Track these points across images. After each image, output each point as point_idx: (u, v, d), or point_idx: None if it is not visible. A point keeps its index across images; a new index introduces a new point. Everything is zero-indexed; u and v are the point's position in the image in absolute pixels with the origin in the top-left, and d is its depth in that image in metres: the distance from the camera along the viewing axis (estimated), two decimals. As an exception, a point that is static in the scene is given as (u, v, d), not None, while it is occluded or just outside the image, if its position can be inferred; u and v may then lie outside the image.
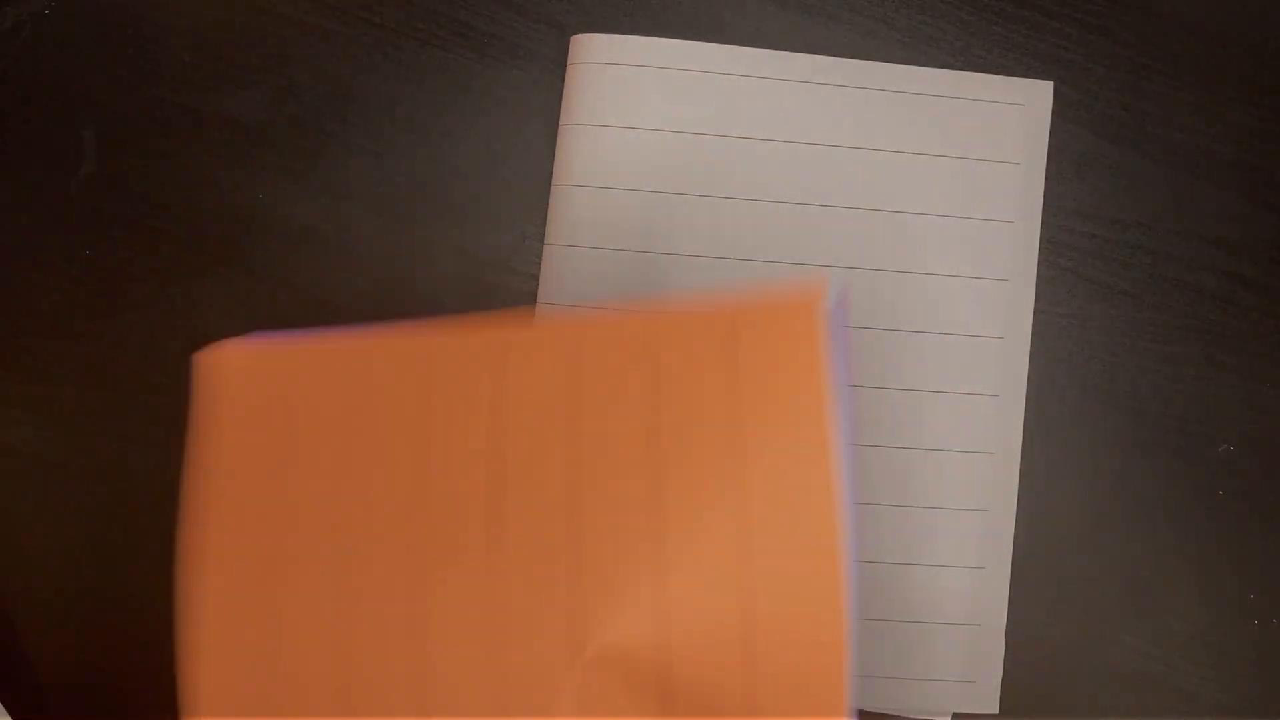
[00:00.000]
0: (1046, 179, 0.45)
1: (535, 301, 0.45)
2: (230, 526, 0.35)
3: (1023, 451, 0.44)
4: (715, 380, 0.34)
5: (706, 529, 0.33)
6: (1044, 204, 0.45)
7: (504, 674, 0.33)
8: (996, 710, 0.43)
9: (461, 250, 0.45)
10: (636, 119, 0.44)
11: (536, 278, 0.45)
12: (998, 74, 0.45)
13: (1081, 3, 0.45)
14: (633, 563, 0.33)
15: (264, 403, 0.35)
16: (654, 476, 0.33)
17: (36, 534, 0.45)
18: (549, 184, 0.45)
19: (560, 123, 0.44)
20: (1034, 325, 0.45)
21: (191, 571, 0.34)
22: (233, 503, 0.35)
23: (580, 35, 0.44)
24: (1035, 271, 0.45)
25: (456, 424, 0.35)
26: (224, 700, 0.34)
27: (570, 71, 0.44)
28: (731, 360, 0.34)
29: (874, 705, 0.43)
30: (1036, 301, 0.45)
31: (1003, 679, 0.44)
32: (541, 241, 0.45)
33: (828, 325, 0.33)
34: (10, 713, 0.44)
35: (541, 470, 0.34)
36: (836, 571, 0.32)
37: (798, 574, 0.32)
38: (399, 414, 0.35)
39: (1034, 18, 0.45)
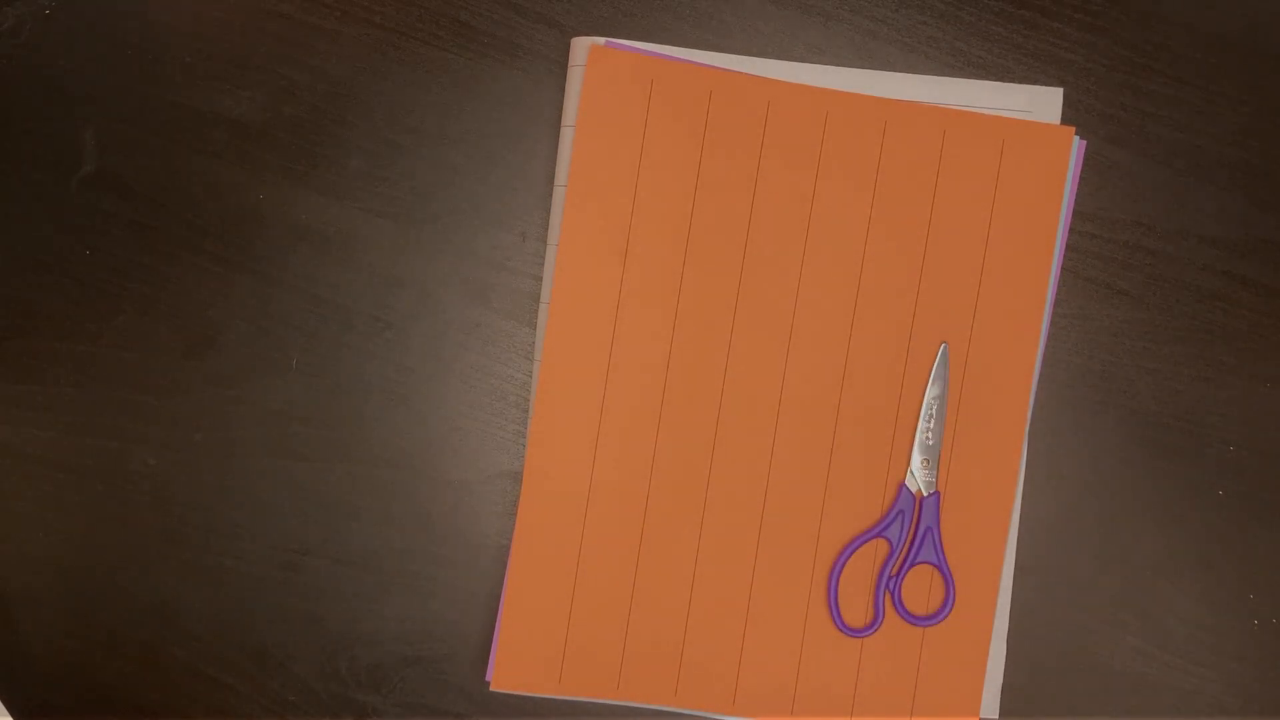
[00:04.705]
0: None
1: (535, 301, 0.45)
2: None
3: (1023, 451, 0.44)
4: (982, 180, 0.43)
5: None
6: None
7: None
8: (997, 712, 0.43)
9: (461, 250, 0.45)
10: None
11: (537, 278, 0.45)
12: (997, 73, 0.45)
13: (1081, 3, 0.45)
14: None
15: (636, 100, 0.44)
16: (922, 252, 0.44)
17: (36, 534, 0.45)
18: (549, 184, 0.45)
19: (560, 123, 0.44)
20: (1034, 325, 0.45)
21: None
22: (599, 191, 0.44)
23: (580, 37, 0.44)
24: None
25: (782, 169, 0.44)
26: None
27: (571, 73, 0.44)
28: (995, 164, 0.43)
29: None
30: (1036, 301, 0.45)
31: (1003, 679, 0.44)
32: (542, 241, 0.45)
33: (1072, 158, 0.43)
34: (10, 713, 0.44)
35: (843, 222, 0.44)
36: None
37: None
38: (737, 146, 0.44)
39: (1034, 18, 0.45)
